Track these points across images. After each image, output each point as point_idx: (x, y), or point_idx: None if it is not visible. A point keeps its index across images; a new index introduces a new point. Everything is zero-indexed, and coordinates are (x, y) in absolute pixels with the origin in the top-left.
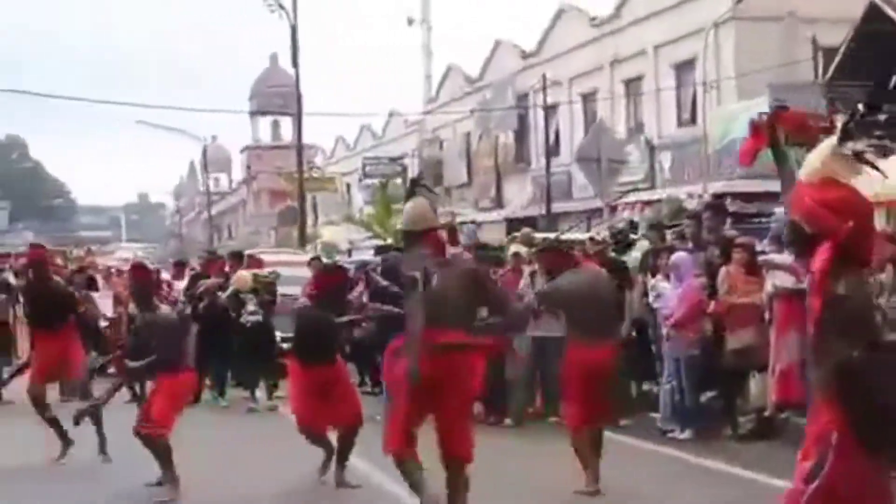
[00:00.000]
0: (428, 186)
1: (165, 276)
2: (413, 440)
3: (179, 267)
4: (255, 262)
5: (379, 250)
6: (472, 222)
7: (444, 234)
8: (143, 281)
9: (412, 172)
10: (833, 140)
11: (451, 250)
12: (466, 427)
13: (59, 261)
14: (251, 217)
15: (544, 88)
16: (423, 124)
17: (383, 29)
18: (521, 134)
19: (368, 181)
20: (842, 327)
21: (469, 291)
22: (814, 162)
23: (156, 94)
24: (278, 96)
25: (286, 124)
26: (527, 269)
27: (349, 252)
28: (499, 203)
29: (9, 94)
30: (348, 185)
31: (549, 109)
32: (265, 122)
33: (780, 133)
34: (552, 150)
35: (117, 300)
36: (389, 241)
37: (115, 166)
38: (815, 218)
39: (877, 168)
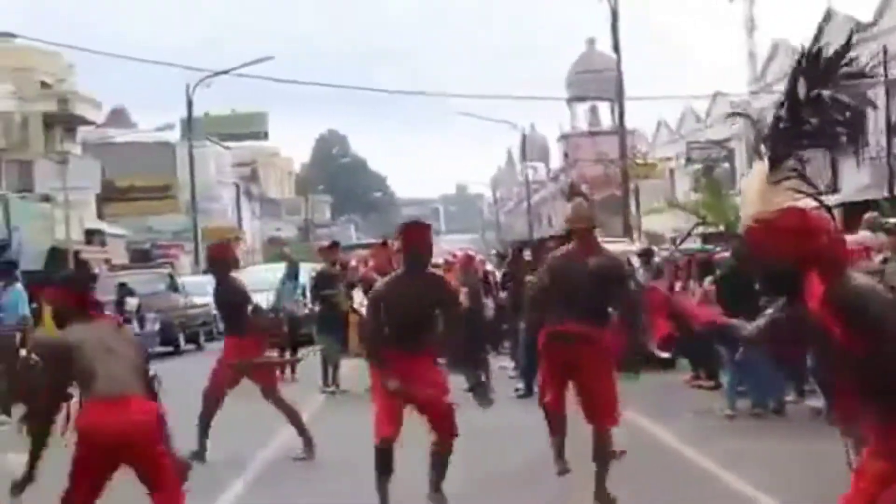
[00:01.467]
0: (585, 194)
1: (489, 267)
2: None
3: (501, 258)
4: None
5: (706, 238)
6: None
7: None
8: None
9: (739, 156)
10: (762, 171)
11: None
12: (603, 397)
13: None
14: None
15: (885, 62)
16: (749, 105)
17: (703, 5)
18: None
19: (693, 166)
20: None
21: (601, 287)
22: (754, 202)
23: (473, 84)
24: (595, 81)
25: (604, 110)
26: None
27: (673, 241)
28: (834, 187)
29: (329, 88)
30: (671, 171)
31: (891, 84)
32: (582, 109)
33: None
34: (894, 129)
35: None
36: (721, 228)
37: (433, 159)
38: (796, 249)
39: (810, 182)
